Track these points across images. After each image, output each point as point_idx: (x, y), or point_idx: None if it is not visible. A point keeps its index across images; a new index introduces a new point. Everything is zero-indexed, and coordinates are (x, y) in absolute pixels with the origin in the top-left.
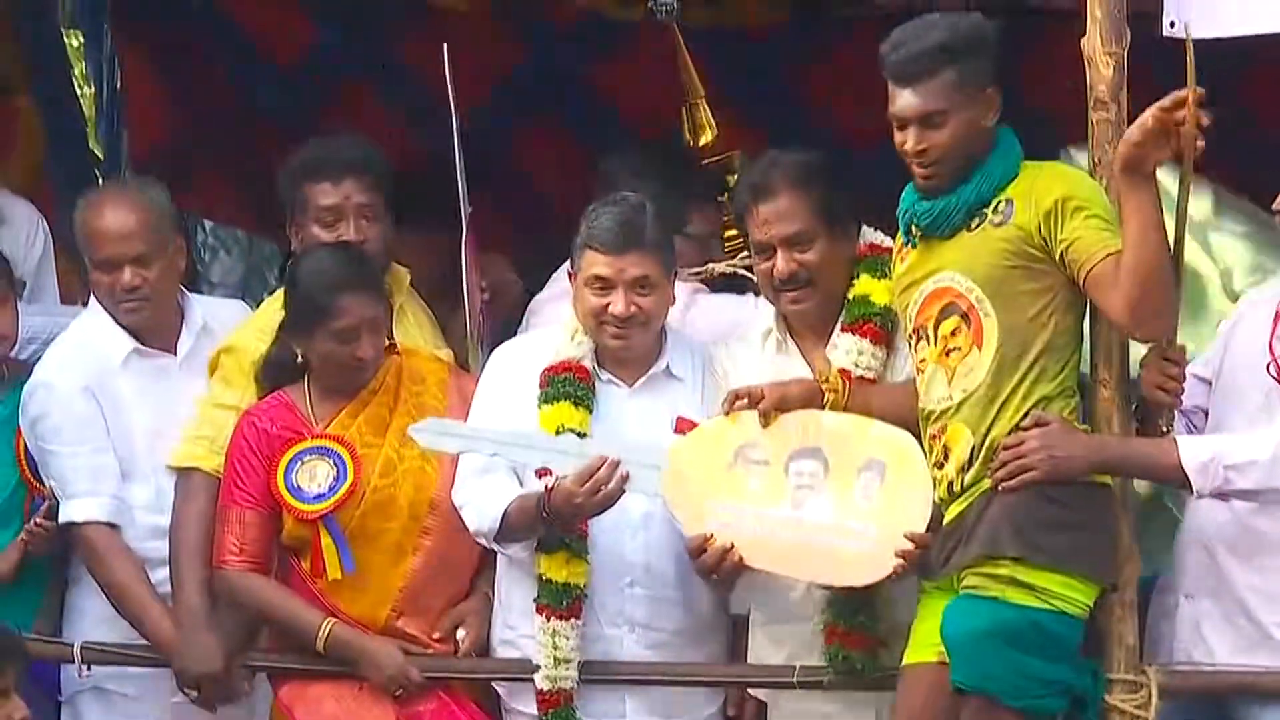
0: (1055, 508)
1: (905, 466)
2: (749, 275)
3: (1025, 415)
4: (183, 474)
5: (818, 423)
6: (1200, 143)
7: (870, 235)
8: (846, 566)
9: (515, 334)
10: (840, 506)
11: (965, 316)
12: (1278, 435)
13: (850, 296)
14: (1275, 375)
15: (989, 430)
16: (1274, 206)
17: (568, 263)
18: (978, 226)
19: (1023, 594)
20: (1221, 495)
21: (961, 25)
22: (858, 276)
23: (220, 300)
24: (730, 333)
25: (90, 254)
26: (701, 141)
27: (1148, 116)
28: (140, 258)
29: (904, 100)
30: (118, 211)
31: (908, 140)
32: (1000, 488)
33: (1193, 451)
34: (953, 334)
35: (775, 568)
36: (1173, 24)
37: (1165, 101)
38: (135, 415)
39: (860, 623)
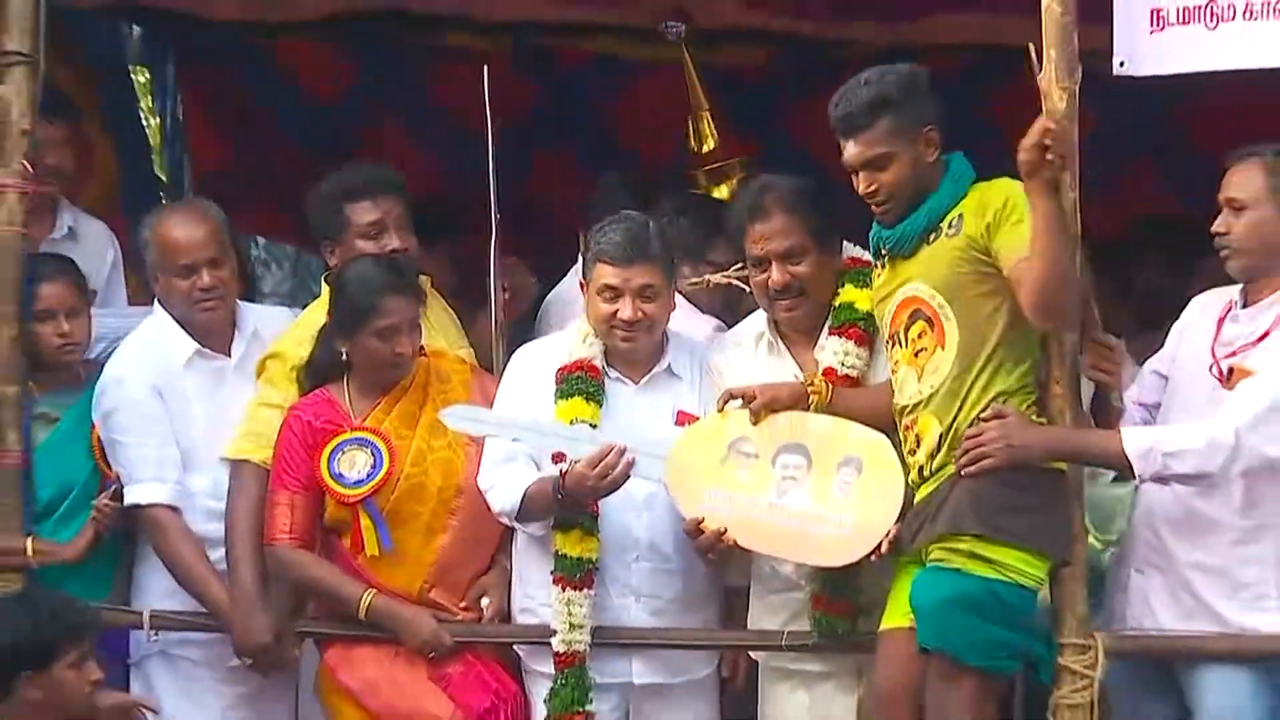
0: (1012, 491)
1: (879, 465)
2: (743, 286)
3: (985, 406)
4: (235, 466)
5: (804, 422)
6: (1050, 156)
7: (851, 250)
8: (823, 550)
9: (533, 326)
10: (819, 497)
11: (930, 320)
12: (1211, 427)
13: (836, 304)
14: (1216, 376)
15: (954, 420)
16: (1213, 229)
17: (578, 267)
18: (935, 240)
19: (982, 566)
20: (1161, 480)
21: (889, 78)
22: (842, 286)
23: (268, 308)
24: None
25: (167, 262)
26: (705, 149)
27: (1027, 138)
28: (213, 261)
29: (849, 151)
30: (189, 223)
31: (860, 184)
32: (963, 473)
33: (1135, 441)
34: (920, 336)
35: (760, 548)
36: (1122, 64)
37: (1030, 137)
38: (195, 411)
39: (843, 593)
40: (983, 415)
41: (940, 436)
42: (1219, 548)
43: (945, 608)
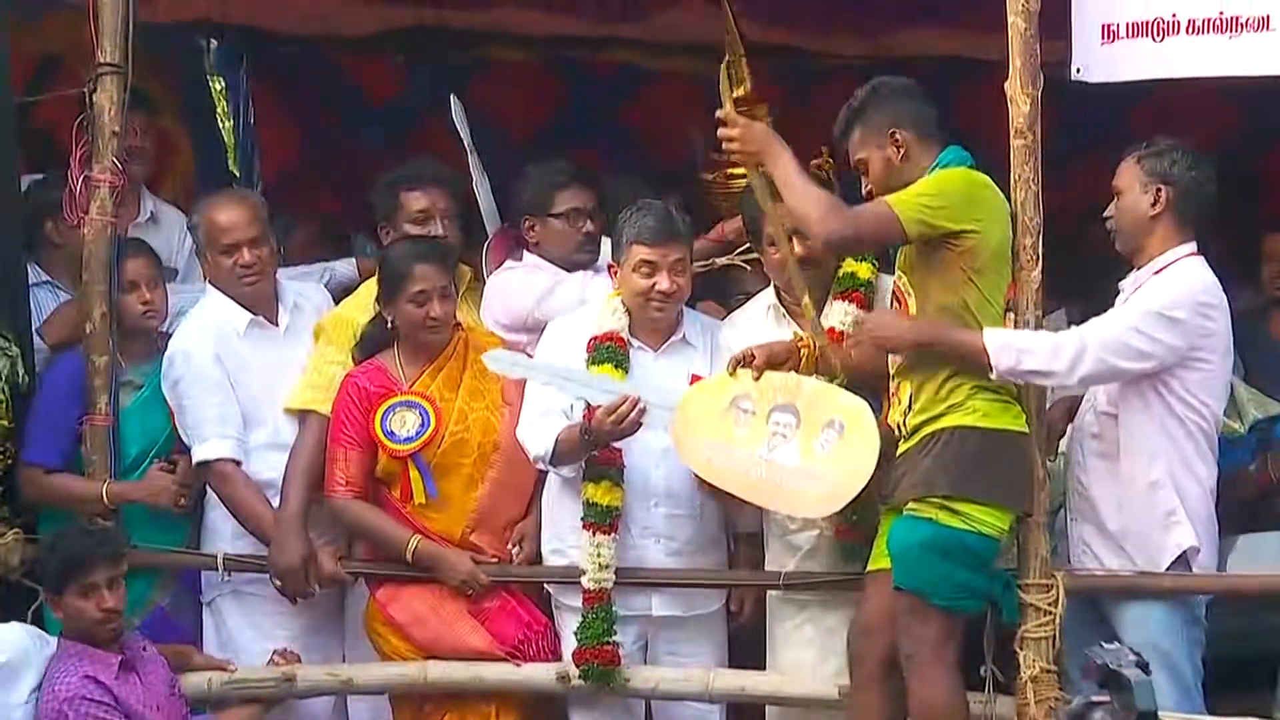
0: (979, 454)
1: (860, 430)
2: (745, 266)
3: (954, 371)
4: (302, 415)
5: (798, 385)
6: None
7: None
8: (800, 502)
9: None
10: (804, 454)
11: (898, 299)
12: (1066, 332)
13: (839, 274)
14: None
15: (921, 382)
16: (1104, 215)
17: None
18: None
19: (951, 517)
20: (1014, 374)
21: (860, 92)
22: (842, 260)
23: (298, 282)
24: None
25: (215, 242)
26: (738, 93)
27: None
28: (254, 240)
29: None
30: (232, 208)
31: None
32: (854, 355)
33: (994, 338)
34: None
35: (746, 495)
36: (1079, 71)
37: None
38: (253, 373)
39: (855, 522)
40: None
41: (910, 397)
42: (1128, 485)
43: (917, 552)
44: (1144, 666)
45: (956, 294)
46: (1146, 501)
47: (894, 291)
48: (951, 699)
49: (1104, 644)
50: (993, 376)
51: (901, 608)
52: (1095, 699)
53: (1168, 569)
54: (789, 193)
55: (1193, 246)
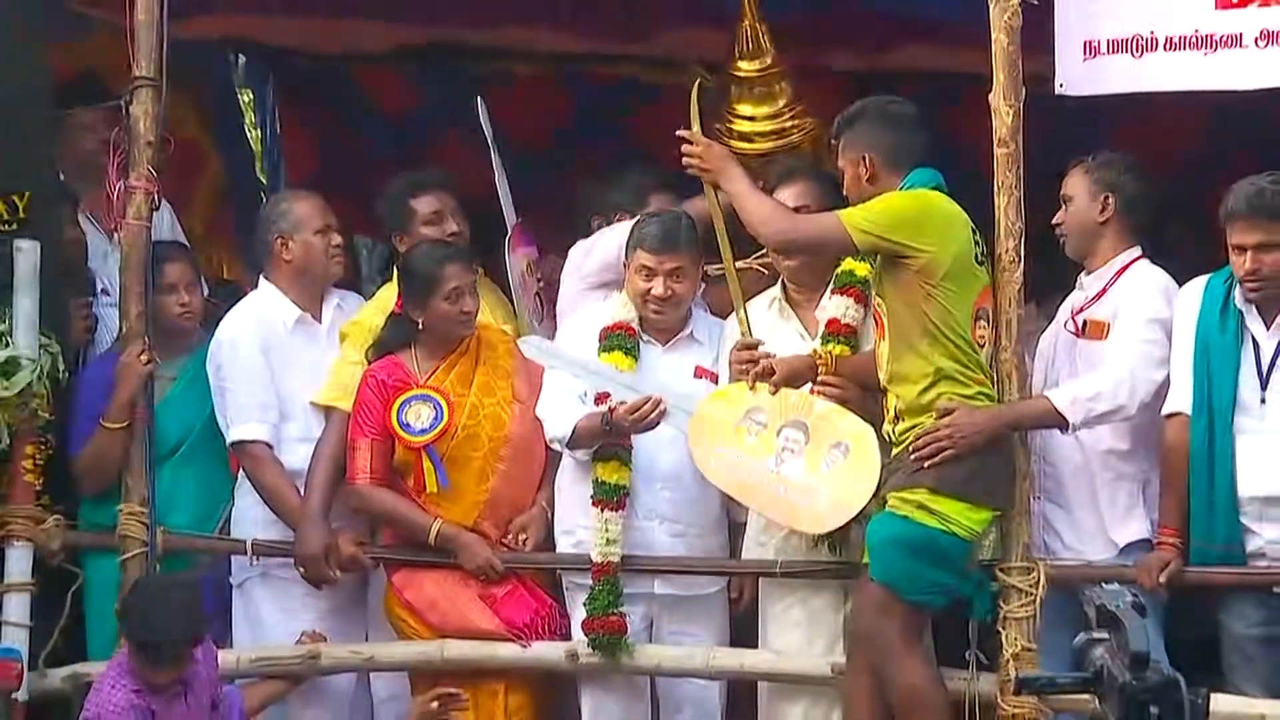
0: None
1: (863, 453)
2: (763, 270)
3: (930, 381)
4: (327, 411)
5: (810, 404)
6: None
7: None
8: (798, 515)
9: None
10: (810, 470)
11: (876, 319)
12: (1109, 368)
13: (837, 271)
14: (1072, 331)
15: (902, 392)
16: (1053, 221)
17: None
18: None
19: (927, 517)
20: (1089, 424)
21: (853, 108)
22: (841, 259)
23: (341, 290)
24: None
25: (309, 225)
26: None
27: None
28: (336, 226)
29: None
30: (311, 197)
31: None
32: (926, 465)
33: (1059, 397)
34: (875, 330)
35: (748, 502)
36: (1062, 85)
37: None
38: (294, 368)
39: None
40: (932, 414)
41: (896, 410)
42: (1100, 473)
43: (891, 548)
44: (1140, 609)
45: (919, 309)
46: (1113, 487)
47: (873, 314)
48: (928, 682)
49: (1104, 584)
50: (1069, 433)
51: (870, 600)
52: (1096, 636)
53: (1123, 550)
54: (742, 205)
55: (1139, 250)
